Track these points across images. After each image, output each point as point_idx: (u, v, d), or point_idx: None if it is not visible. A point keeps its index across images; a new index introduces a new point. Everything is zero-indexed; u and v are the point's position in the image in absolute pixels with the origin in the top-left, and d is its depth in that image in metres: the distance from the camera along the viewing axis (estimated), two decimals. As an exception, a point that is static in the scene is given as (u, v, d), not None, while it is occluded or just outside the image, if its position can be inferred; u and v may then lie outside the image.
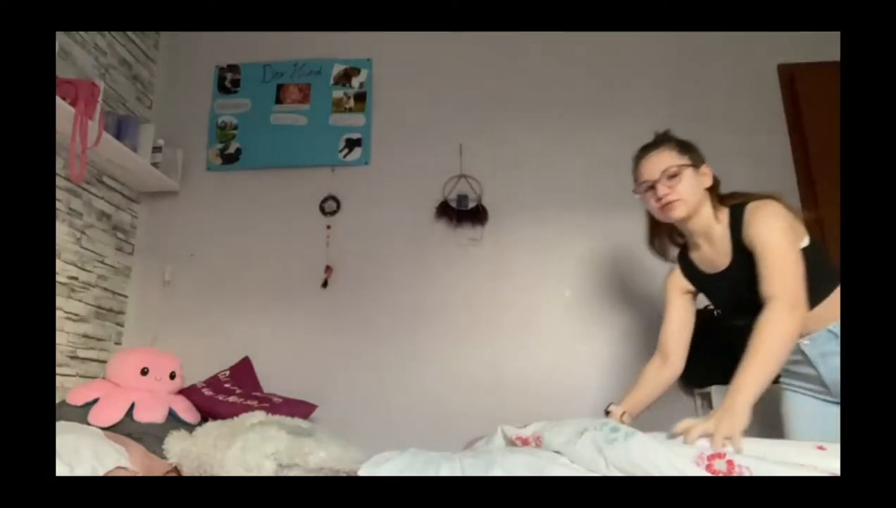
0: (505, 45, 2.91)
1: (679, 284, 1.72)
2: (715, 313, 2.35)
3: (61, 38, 2.30)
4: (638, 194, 1.60)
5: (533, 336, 2.56)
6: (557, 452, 1.33)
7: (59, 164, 2.23)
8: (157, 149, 2.63)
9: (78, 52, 2.40)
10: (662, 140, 1.58)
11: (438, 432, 2.46)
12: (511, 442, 1.52)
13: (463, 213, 2.69)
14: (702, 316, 2.35)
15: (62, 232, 2.26)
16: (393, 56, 2.93)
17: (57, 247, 2.23)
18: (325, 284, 2.65)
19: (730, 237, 1.52)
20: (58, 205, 2.23)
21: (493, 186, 2.73)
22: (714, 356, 2.31)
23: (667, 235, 1.73)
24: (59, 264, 2.24)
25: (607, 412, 1.67)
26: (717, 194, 1.57)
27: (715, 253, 1.58)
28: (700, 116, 2.76)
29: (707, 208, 1.55)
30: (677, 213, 1.52)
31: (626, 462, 1.19)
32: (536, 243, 2.66)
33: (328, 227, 2.73)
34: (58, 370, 2.22)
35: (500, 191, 2.72)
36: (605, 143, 2.75)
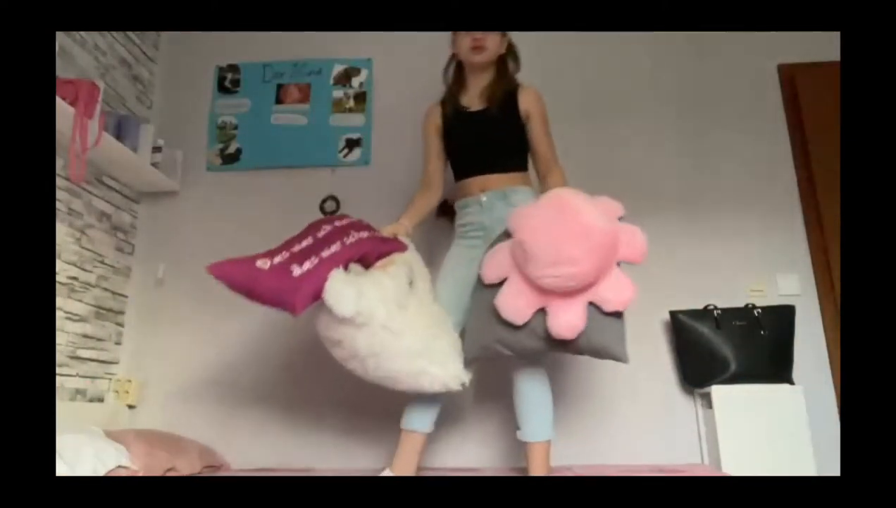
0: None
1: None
2: (715, 313, 2.35)
3: (61, 38, 2.30)
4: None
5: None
6: None
7: (59, 164, 2.23)
8: (157, 149, 2.63)
9: (78, 52, 2.40)
10: None
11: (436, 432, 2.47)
12: None
13: (463, 213, 2.68)
14: (701, 316, 2.37)
15: (62, 232, 2.26)
16: (393, 56, 2.92)
17: (57, 247, 2.23)
18: (325, 284, 2.65)
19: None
20: (58, 205, 2.23)
21: (493, 186, 2.72)
22: (714, 356, 2.31)
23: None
24: (59, 264, 2.24)
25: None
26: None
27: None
28: (700, 115, 2.76)
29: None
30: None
31: None
32: (536, 243, 2.66)
33: (328, 227, 2.72)
34: (58, 370, 2.22)
35: (500, 191, 2.72)
36: (604, 142, 2.75)
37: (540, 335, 1.63)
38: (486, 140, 1.99)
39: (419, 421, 1.85)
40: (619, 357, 1.62)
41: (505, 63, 2.06)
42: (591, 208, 1.59)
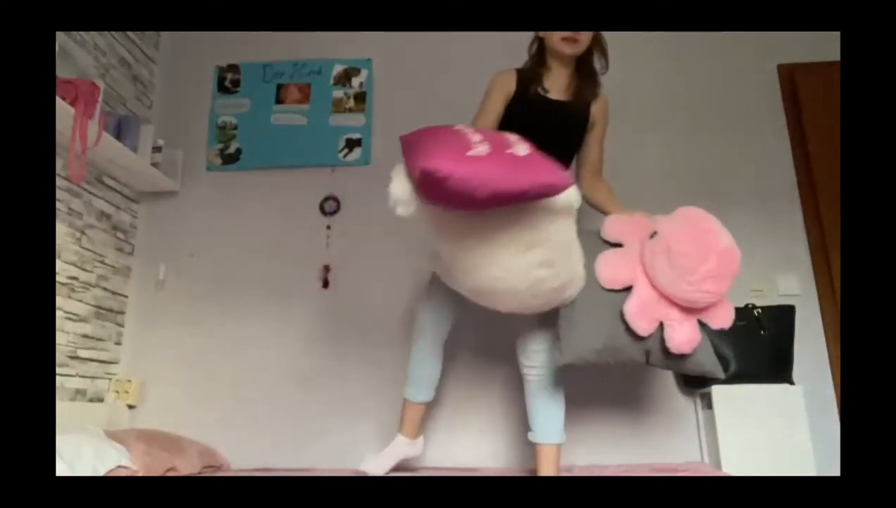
0: (505, 44, 2.90)
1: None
2: (715, 313, 2.35)
3: (61, 38, 2.30)
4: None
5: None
6: None
7: (59, 164, 2.23)
8: (157, 149, 2.63)
9: (78, 53, 2.40)
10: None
11: (437, 431, 2.46)
12: None
13: (463, 213, 2.68)
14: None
15: (62, 232, 2.26)
16: (393, 56, 2.92)
17: (57, 247, 2.23)
18: (325, 284, 2.65)
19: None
20: (58, 205, 2.23)
21: (493, 186, 2.72)
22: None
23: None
24: (59, 264, 2.24)
25: None
26: None
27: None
28: (700, 115, 2.76)
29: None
30: None
31: None
32: (536, 243, 2.65)
33: (328, 227, 2.72)
34: (58, 370, 2.22)
35: (500, 191, 2.72)
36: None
37: (650, 348, 1.66)
38: (554, 131, 1.93)
39: (425, 393, 1.97)
40: (717, 373, 1.70)
41: (589, 60, 2.01)
42: (726, 231, 1.64)
